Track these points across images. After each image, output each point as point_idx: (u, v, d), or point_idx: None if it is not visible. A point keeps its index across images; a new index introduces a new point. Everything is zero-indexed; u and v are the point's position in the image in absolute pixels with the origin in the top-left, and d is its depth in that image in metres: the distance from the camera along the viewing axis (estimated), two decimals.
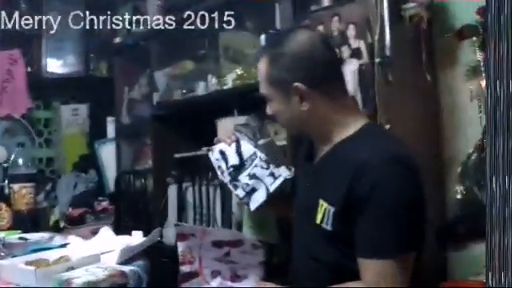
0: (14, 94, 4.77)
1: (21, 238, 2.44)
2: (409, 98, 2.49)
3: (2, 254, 2.23)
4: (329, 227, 1.70)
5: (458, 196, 2.45)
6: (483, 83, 2.24)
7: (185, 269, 2.11)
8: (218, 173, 2.13)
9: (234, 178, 2.09)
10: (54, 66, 4.92)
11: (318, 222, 1.73)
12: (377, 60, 2.37)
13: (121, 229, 3.44)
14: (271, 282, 2.00)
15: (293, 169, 2.11)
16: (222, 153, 2.12)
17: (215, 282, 2.11)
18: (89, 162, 4.86)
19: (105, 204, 4.45)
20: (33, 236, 2.49)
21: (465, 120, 2.56)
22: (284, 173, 2.06)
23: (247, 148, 2.12)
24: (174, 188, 3.70)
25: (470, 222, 2.38)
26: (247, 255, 2.14)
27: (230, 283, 2.11)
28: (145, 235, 2.34)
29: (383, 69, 2.38)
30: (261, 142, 2.16)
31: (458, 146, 2.56)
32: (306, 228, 1.84)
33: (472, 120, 2.45)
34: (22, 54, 4.65)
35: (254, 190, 2.05)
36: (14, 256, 2.18)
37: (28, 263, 2.02)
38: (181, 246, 2.13)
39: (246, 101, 3.24)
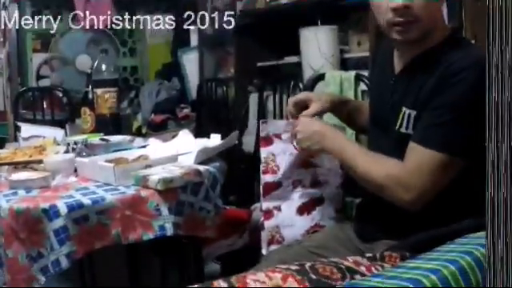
0: (99, 5, 4.82)
1: (102, 140, 2.48)
2: None
3: (84, 153, 2.27)
4: (409, 131, 1.65)
5: None
6: None
7: (267, 178, 2.01)
8: None
9: None
10: None
11: (397, 127, 1.68)
12: None
13: (201, 135, 3.47)
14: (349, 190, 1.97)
15: None
16: None
17: (297, 193, 2.04)
18: (172, 70, 4.92)
19: (187, 111, 4.52)
20: (114, 138, 2.52)
21: None
22: None
23: None
24: (255, 96, 3.70)
25: None
26: (331, 158, 2.05)
27: (310, 190, 2.03)
28: (223, 139, 2.34)
29: None
30: None
31: None
32: (383, 138, 1.77)
33: None
34: None
35: None
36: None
37: (108, 161, 2.05)
38: (264, 153, 2.01)
39: (329, 11, 3.18)
